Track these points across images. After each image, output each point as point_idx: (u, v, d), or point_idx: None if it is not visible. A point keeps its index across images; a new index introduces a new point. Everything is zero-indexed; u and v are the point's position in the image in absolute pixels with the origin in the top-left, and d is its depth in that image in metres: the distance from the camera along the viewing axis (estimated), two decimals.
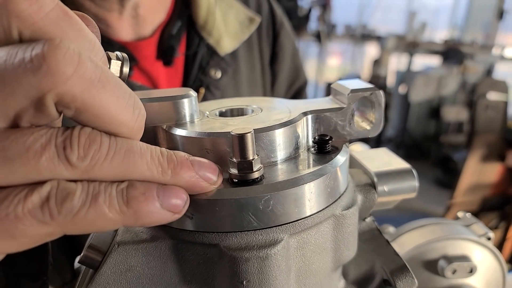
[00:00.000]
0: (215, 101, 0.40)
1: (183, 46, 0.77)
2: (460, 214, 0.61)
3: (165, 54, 0.74)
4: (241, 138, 0.27)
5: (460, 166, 3.63)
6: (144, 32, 0.72)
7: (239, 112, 0.37)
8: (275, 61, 0.91)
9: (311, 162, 0.32)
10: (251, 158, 0.28)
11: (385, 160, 0.40)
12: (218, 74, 0.77)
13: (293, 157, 0.33)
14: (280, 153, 0.32)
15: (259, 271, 0.28)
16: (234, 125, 0.32)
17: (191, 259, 0.30)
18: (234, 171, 0.28)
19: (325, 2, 5.26)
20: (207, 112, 0.36)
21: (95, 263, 0.31)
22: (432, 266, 0.54)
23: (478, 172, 3.23)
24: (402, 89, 5.41)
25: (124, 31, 0.70)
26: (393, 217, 0.86)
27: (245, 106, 0.37)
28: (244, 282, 0.28)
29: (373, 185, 0.37)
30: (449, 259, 0.53)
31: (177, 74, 0.77)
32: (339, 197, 0.33)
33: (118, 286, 0.31)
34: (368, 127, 0.36)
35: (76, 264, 0.40)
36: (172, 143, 0.32)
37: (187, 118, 0.33)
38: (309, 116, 0.34)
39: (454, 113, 5.13)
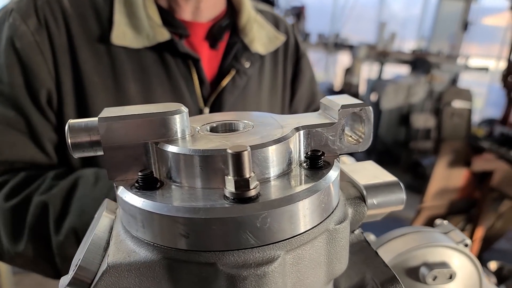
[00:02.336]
0: (205, 115, 0.40)
1: (226, 38, 0.96)
2: (438, 221, 0.63)
3: (213, 37, 0.93)
4: (238, 156, 0.27)
5: (428, 171, 3.74)
6: (200, 19, 0.92)
7: (230, 127, 0.37)
8: (296, 81, 1.11)
9: (304, 178, 0.32)
10: (247, 176, 0.28)
11: (372, 173, 0.41)
12: (247, 64, 0.96)
13: (286, 173, 0.33)
14: (274, 169, 0.32)
15: None
16: (227, 142, 0.32)
17: (186, 279, 0.30)
18: (230, 188, 0.28)
19: (299, 11, 5.34)
20: (198, 127, 0.36)
21: (85, 284, 0.30)
22: (414, 273, 0.56)
23: (445, 177, 3.34)
24: (373, 97, 5.54)
25: (186, 13, 0.89)
26: (365, 222, 0.88)
27: (235, 121, 0.37)
28: None
29: (362, 198, 0.37)
30: (430, 266, 0.54)
31: (217, 57, 0.95)
32: (332, 212, 0.33)
33: None
34: (357, 142, 0.37)
35: (62, 285, 0.38)
36: (164, 160, 0.32)
37: (179, 134, 0.33)
38: (301, 132, 0.34)
39: (422, 120, 5.30)
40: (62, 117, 0.80)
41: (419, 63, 5.67)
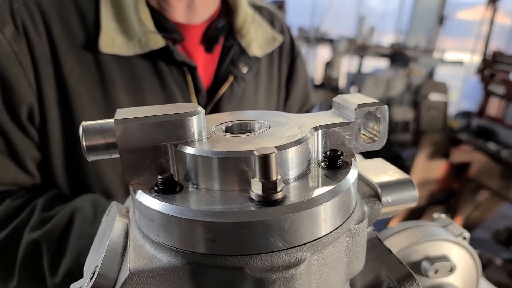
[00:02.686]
0: (215, 115, 0.39)
1: (222, 40, 0.90)
2: (435, 215, 0.64)
3: (209, 40, 0.87)
4: (265, 158, 0.27)
5: (408, 163, 3.82)
6: (193, 20, 0.85)
7: (246, 128, 0.37)
8: (290, 81, 1.06)
9: (325, 179, 0.32)
10: (274, 178, 0.27)
11: (383, 170, 0.41)
12: (245, 69, 0.90)
13: (305, 173, 0.33)
14: (294, 171, 0.32)
15: None
16: (248, 143, 0.31)
17: (210, 284, 0.29)
18: (257, 191, 0.28)
19: (279, 5, 5.33)
20: (213, 128, 0.35)
21: None
22: (416, 267, 0.56)
23: (425, 169, 3.42)
24: (353, 90, 5.60)
25: (179, 14, 0.82)
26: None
27: (250, 121, 0.37)
28: None
29: (377, 197, 0.38)
30: (431, 260, 0.55)
31: (213, 62, 0.89)
32: (352, 212, 0.33)
33: None
34: (372, 141, 0.37)
35: None
36: (184, 162, 0.31)
37: (196, 136, 0.32)
38: (320, 131, 0.34)
39: (401, 113, 5.39)
40: (45, 134, 0.73)
41: (398, 56, 5.75)
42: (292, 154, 0.31)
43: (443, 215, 0.63)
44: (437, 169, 3.46)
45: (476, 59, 6.29)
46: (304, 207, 0.28)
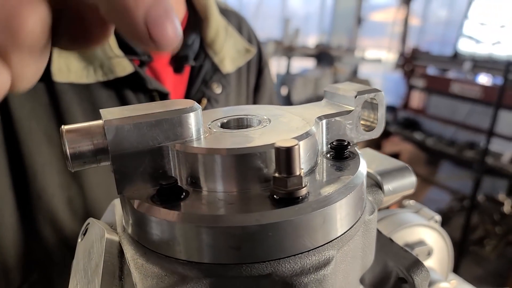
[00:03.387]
0: (208, 111, 0.36)
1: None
2: (405, 202, 0.66)
3: (179, 60, 0.76)
4: (289, 151, 0.24)
5: None
6: None
7: (243, 123, 0.34)
8: (257, 94, 0.97)
9: (338, 170, 0.30)
10: (298, 172, 0.25)
11: (377, 159, 0.40)
12: (219, 89, 0.80)
13: (315, 167, 0.30)
14: (306, 165, 0.29)
15: None
16: (256, 138, 0.28)
17: None
18: (281, 188, 0.25)
19: None
20: (208, 125, 0.32)
21: None
22: None
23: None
24: (283, 91, 5.72)
25: None
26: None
27: (248, 116, 0.34)
28: None
29: (379, 186, 0.37)
30: (411, 246, 0.56)
31: (182, 83, 0.79)
32: (365, 203, 0.32)
33: None
34: (370, 129, 0.36)
35: None
36: (189, 164, 0.27)
37: (194, 134, 0.29)
38: (324, 121, 0.32)
39: None
40: None
41: (323, 56, 5.98)
42: (303, 147, 0.29)
43: (412, 201, 0.65)
44: None
45: (392, 56, 6.75)
46: (331, 201, 0.26)
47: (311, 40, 6.70)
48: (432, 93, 3.91)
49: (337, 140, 0.32)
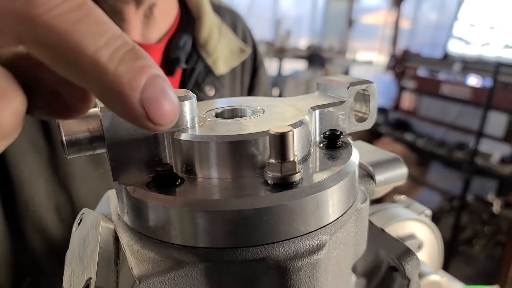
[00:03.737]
0: (202, 102, 0.36)
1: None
2: (396, 197, 0.67)
3: (170, 63, 0.73)
4: (283, 137, 0.25)
5: None
6: (152, 36, 0.72)
7: (238, 113, 0.34)
8: (252, 93, 0.94)
9: (331, 159, 0.31)
10: (292, 158, 0.25)
11: (369, 151, 0.41)
12: (212, 92, 0.78)
13: (308, 156, 0.31)
14: (300, 153, 0.30)
15: (310, 279, 0.26)
16: (251, 126, 0.29)
17: (227, 282, 0.26)
18: (275, 174, 0.25)
19: None
20: (203, 115, 0.32)
21: None
22: None
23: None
24: (275, 92, 5.73)
25: (135, 30, 0.68)
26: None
27: (242, 106, 0.34)
28: None
29: (370, 176, 0.37)
30: (402, 239, 0.57)
31: (174, 86, 0.75)
32: (357, 191, 0.32)
33: None
34: (362, 120, 0.36)
35: None
36: (184, 151, 0.28)
37: (189, 123, 0.29)
38: (317, 111, 0.33)
39: None
40: None
41: (314, 58, 6.01)
42: (297, 135, 0.29)
43: (403, 196, 0.66)
44: None
45: (382, 59, 6.80)
46: (324, 187, 0.26)
47: (302, 42, 6.73)
48: (423, 95, 3.96)
49: (330, 130, 0.33)
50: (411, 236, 0.58)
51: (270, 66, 6.11)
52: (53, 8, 0.17)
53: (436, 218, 3.30)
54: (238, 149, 0.27)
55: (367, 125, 0.36)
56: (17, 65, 0.21)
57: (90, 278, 0.26)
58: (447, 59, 4.02)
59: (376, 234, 0.39)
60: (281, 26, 6.13)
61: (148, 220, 0.26)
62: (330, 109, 0.34)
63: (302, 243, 0.26)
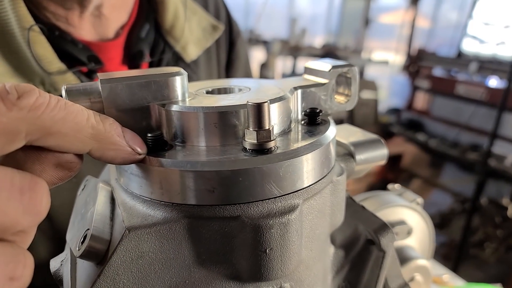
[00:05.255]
0: (194, 83, 0.39)
1: (148, 55, 0.71)
2: (390, 186, 0.69)
3: (133, 57, 0.68)
4: (259, 107, 0.28)
5: None
6: (107, 32, 0.66)
7: (227, 92, 0.37)
8: (231, 68, 0.89)
9: (308, 133, 0.33)
10: (268, 127, 0.28)
11: (351, 132, 0.44)
12: None
13: (288, 131, 0.34)
14: (279, 126, 0.33)
15: (281, 237, 0.29)
16: (234, 100, 0.32)
17: (207, 236, 0.29)
18: (251, 140, 0.28)
19: None
20: (194, 91, 0.36)
21: (99, 253, 0.28)
22: None
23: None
24: None
25: (86, 31, 0.63)
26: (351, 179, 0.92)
27: (229, 86, 0.37)
28: (267, 251, 0.29)
29: (351, 155, 0.40)
30: (391, 224, 0.59)
31: None
32: (333, 165, 0.35)
33: (129, 275, 0.29)
34: (345, 101, 0.39)
35: (55, 265, 0.36)
36: (174, 121, 0.31)
37: (180, 97, 0.32)
38: (299, 91, 0.36)
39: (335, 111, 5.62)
40: None
41: (329, 57, 5.99)
42: (276, 109, 0.32)
43: (397, 185, 0.68)
44: None
45: (399, 59, 6.74)
46: (296, 154, 0.29)
47: (317, 40, 6.72)
48: (437, 94, 3.92)
49: (310, 108, 0.36)
50: (401, 222, 0.60)
51: (285, 64, 6.12)
52: (46, 108, 0.23)
53: (446, 220, 3.28)
54: (220, 119, 0.30)
55: (349, 106, 0.39)
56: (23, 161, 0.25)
57: (88, 229, 0.29)
58: (461, 58, 3.97)
59: (357, 210, 0.42)
60: (297, 24, 6.13)
61: (139, 181, 0.30)
62: (312, 89, 0.37)
63: (275, 205, 0.29)
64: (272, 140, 0.29)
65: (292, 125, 0.35)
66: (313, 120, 0.35)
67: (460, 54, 4.01)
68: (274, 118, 0.32)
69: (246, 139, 0.29)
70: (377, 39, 7.78)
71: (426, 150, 3.45)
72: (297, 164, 0.29)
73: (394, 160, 3.49)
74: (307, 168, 0.30)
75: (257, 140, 0.28)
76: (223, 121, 0.30)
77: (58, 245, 0.59)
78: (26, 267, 0.23)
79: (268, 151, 0.29)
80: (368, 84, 5.34)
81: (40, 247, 0.65)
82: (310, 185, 0.31)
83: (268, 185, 0.29)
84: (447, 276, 1.38)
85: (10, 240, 0.22)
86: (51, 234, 0.65)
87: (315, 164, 0.31)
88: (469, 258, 3.17)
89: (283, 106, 0.33)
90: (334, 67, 0.37)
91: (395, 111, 4.83)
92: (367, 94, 5.25)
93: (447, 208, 3.51)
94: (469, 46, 4.11)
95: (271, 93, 0.34)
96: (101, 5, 0.62)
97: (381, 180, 3.62)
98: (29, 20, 0.56)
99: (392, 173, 3.57)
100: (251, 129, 0.28)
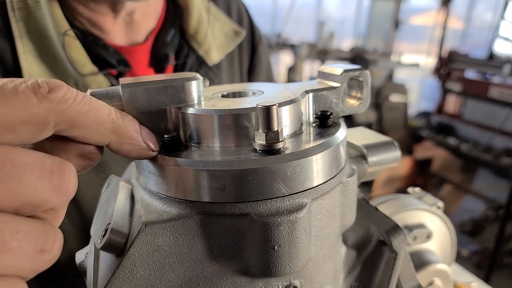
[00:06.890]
0: (211, 87, 0.41)
1: (173, 58, 0.76)
2: (410, 189, 0.69)
3: (159, 61, 0.73)
4: (268, 110, 0.29)
5: None
6: (137, 37, 0.71)
7: (241, 95, 0.39)
8: (253, 73, 0.93)
9: (318, 135, 0.35)
10: (276, 129, 0.30)
11: (365, 135, 0.44)
12: (206, 84, 0.80)
13: (299, 132, 0.35)
14: (289, 128, 0.34)
15: (289, 234, 0.30)
16: (247, 103, 0.33)
17: (219, 232, 0.31)
18: (261, 142, 0.30)
19: None
20: (210, 95, 0.37)
21: (119, 246, 0.31)
22: None
23: (391, 167, 3.55)
24: None
25: (117, 36, 0.68)
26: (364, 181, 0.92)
27: (244, 90, 0.39)
28: (276, 247, 0.30)
29: (363, 157, 0.41)
30: (410, 228, 0.59)
31: None
32: (343, 166, 0.36)
33: (145, 267, 0.31)
34: (357, 104, 0.40)
35: (80, 257, 0.38)
36: (189, 123, 0.33)
37: (196, 100, 0.34)
38: (310, 95, 0.37)
39: (364, 115, 5.56)
40: None
41: (358, 60, 5.93)
42: (287, 112, 0.33)
43: (417, 189, 0.68)
44: (402, 166, 3.59)
45: (430, 61, 6.59)
46: (304, 155, 0.31)
47: (346, 44, 6.67)
48: (469, 97, 3.81)
49: (321, 111, 0.37)
50: (420, 226, 0.60)
51: (312, 68, 6.11)
52: (73, 102, 0.24)
53: (479, 227, 3.17)
54: (233, 121, 0.31)
55: (361, 109, 0.40)
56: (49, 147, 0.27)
57: (109, 224, 0.31)
58: (493, 60, 3.84)
59: (370, 211, 0.42)
60: (324, 27, 6.10)
61: (156, 179, 0.32)
62: (324, 93, 0.38)
63: (284, 203, 0.30)
64: (281, 141, 0.30)
65: (304, 127, 0.36)
66: (324, 122, 0.36)
67: (491, 56, 3.89)
68: (284, 120, 0.33)
69: (256, 140, 0.30)
70: (407, 41, 7.63)
71: (457, 155, 3.36)
72: (305, 164, 0.31)
73: (423, 165, 3.41)
74: (315, 169, 0.32)
75: (266, 141, 0.30)
76: (235, 123, 0.32)
77: (88, 238, 0.62)
78: (55, 242, 0.24)
79: (276, 151, 0.30)
80: (397, 88, 5.25)
81: (72, 240, 0.69)
82: (318, 185, 0.32)
83: (276, 184, 0.30)
84: (475, 284, 1.35)
85: (42, 217, 0.24)
86: (83, 226, 0.69)
87: (323, 164, 0.32)
88: (502, 267, 3.06)
89: (293, 109, 0.34)
90: (345, 71, 0.38)
91: (425, 114, 4.73)
92: (396, 98, 5.17)
93: (480, 215, 3.40)
94: (501, 48, 3.97)
95: (283, 96, 0.35)
96: (133, 12, 0.67)
97: (409, 185, 3.55)
98: (64, 25, 0.61)
99: (421, 178, 3.49)
100: (260, 130, 0.30)
